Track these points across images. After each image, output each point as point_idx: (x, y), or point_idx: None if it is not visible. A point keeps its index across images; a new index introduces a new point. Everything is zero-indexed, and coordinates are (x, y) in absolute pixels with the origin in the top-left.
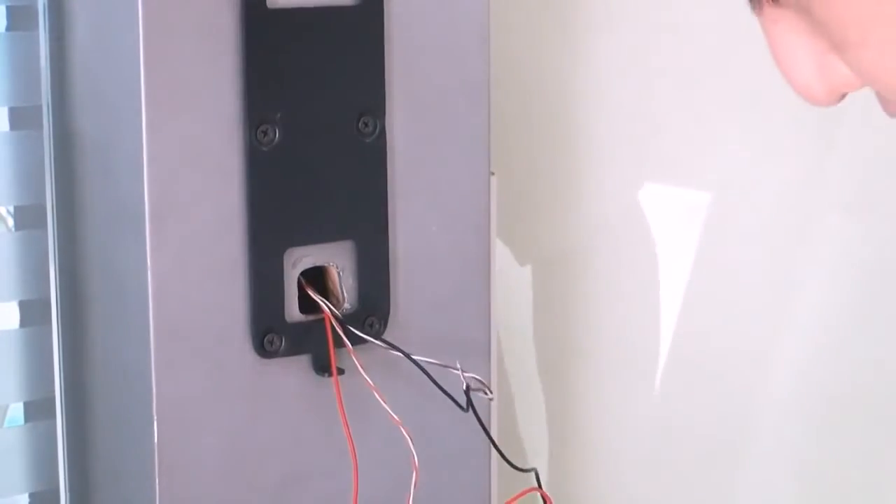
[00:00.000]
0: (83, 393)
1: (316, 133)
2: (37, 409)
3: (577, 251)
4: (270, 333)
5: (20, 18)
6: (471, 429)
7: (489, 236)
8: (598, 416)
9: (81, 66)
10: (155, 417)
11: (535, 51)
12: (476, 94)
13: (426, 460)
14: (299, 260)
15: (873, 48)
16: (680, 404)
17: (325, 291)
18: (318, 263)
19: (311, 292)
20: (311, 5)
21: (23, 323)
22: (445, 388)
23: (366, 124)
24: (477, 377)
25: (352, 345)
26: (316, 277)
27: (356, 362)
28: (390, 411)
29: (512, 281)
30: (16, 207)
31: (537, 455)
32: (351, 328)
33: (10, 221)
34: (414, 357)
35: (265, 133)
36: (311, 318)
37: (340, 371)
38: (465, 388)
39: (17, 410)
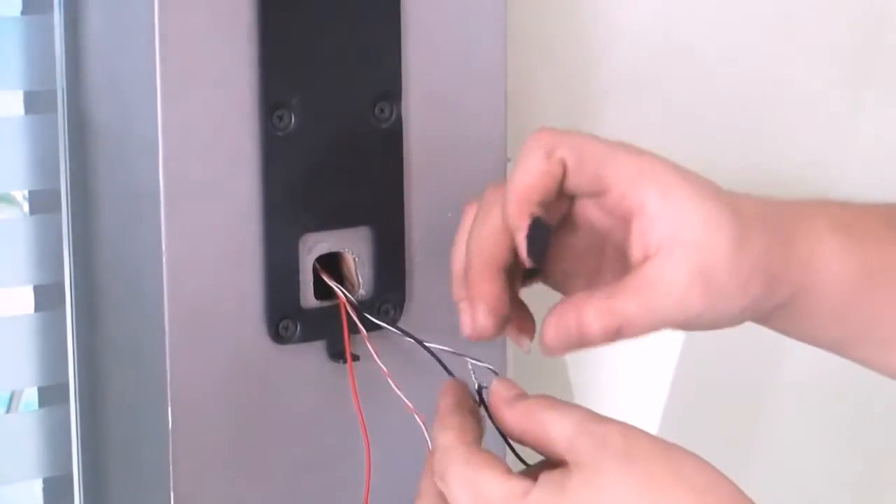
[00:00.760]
0: (97, 378)
1: (332, 119)
2: (51, 394)
3: None
4: (285, 319)
5: (35, 2)
6: (483, 417)
7: None
8: (610, 410)
9: (96, 50)
10: (169, 403)
11: (552, 36)
12: (493, 80)
13: None
14: (314, 246)
15: None
16: (690, 399)
17: (340, 278)
18: (334, 249)
19: (326, 278)
20: None
21: (37, 307)
22: (460, 377)
23: (382, 110)
24: (491, 367)
25: (367, 331)
26: (331, 263)
27: (371, 349)
28: (404, 398)
29: None
30: (30, 192)
31: None
32: (366, 315)
33: (25, 206)
34: (428, 345)
35: (281, 118)
36: (326, 304)
37: (355, 357)
38: (476, 387)
39: (31, 395)
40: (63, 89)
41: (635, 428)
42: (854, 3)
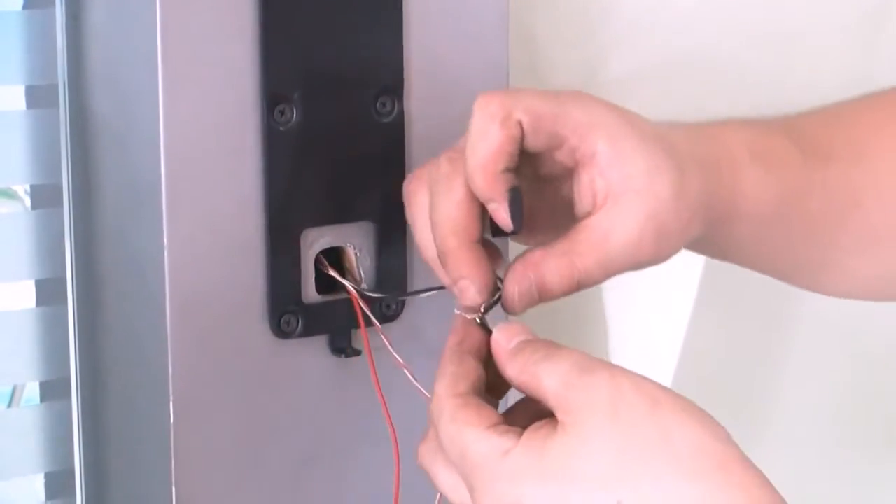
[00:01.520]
0: (99, 373)
1: (334, 113)
2: (52, 389)
3: None
4: (287, 314)
5: None
6: None
7: None
8: None
9: (98, 44)
10: (171, 397)
11: (556, 31)
12: (495, 75)
13: None
14: (316, 240)
15: None
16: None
17: (341, 272)
18: (336, 244)
19: (332, 272)
20: None
21: (39, 302)
22: None
23: (384, 104)
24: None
25: (368, 325)
26: (333, 258)
27: (385, 341)
28: (421, 388)
29: None
30: (32, 186)
31: None
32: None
33: (27, 200)
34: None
35: (282, 113)
36: (328, 298)
37: (356, 352)
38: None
39: (32, 390)
40: (64, 84)
41: (625, 376)
42: None
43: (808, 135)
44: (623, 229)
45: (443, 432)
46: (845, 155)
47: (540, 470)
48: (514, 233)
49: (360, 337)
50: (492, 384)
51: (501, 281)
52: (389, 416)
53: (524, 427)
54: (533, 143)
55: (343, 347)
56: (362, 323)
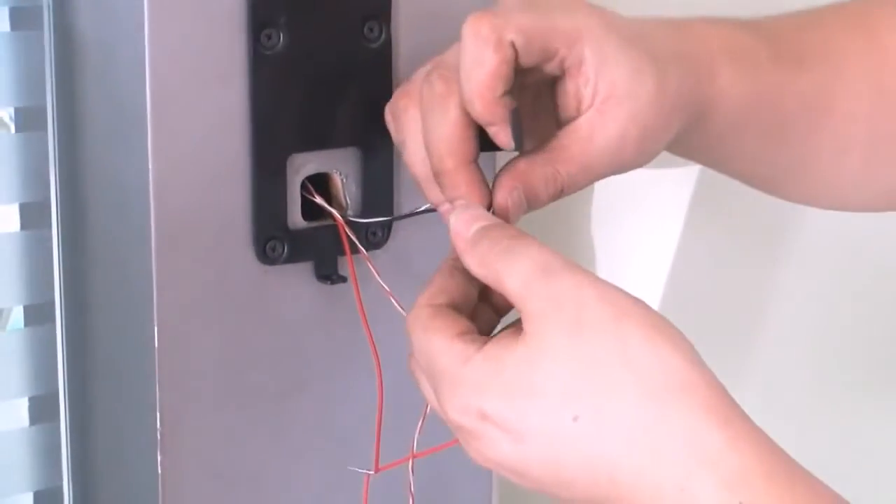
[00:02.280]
0: (83, 297)
1: (320, 38)
2: (36, 314)
3: None
4: (272, 240)
5: None
6: None
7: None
8: None
9: None
10: (155, 323)
11: None
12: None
13: None
14: (302, 166)
15: None
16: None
17: (328, 199)
18: (322, 170)
19: (318, 199)
20: None
21: (23, 226)
22: None
23: (371, 29)
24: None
25: (353, 252)
26: (319, 184)
27: (372, 268)
28: (406, 316)
29: None
30: (16, 109)
31: None
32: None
33: (11, 125)
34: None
35: (269, 37)
36: (313, 224)
37: (343, 279)
38: None
39: (16, 314)
40: (49, 5)
41: (589, 284)
42: None
43: (781, 38)
44: (606, 134)
45: (415, 340)
46: (817, 60)
47: (500, 380)
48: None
49: (346, 264)
50: (497, 303)
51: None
52: (374, 345)
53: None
54: (525, 61)
55: (329, 274)
56: (348, 250)
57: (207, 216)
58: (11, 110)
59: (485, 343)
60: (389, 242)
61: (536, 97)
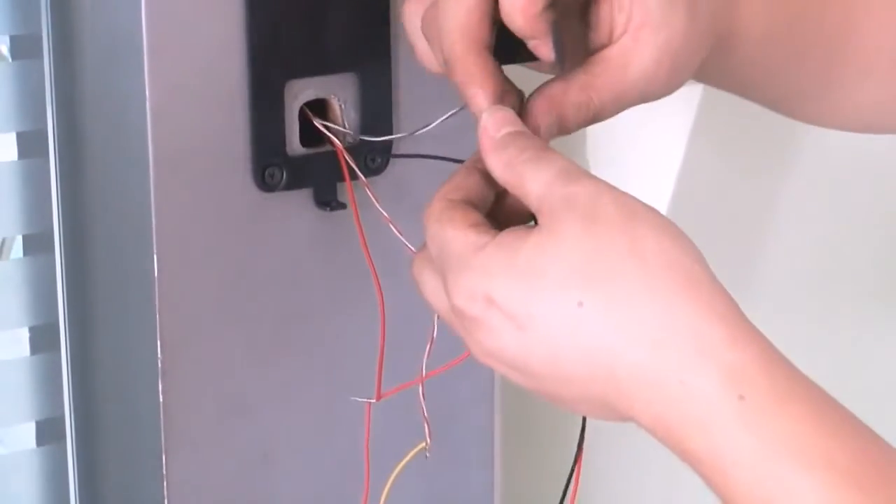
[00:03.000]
0: (82, 227)
1: None
2: (36, 243)
3: None
4: (271, 166)
5: None
6: None
7: None
8: None
9: None
10: (154, 251)
11: None
12: None
13: None
14: (300, 92)
15: None
16: None
17: (326, 125)
18: (320, 95)
19: (318, 123)
20: None
21: (21, 155)
22: None
23: None
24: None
25: (353, 178)
26: (317, 110)
27: (370, 195)
28: (407, 243)
29: None
30: (11, 38)
31: None
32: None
33: (7, 53)
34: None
35: None
36: (312, 151)
37: (342, 205)
38: None
39: (16, 244)
40: None
41: (607, 189)
42: None
43: None
44: (640, 63)
45: (428, 233)
46: None
47: (510, 265)
48: (516, 53)
49: (346, 190)
50: (510, 210)
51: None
52: (374, 269)
53: None
54: None
55: (328, 200)
56: (347, 176)
57: (205, 143)
58: (7, 38)
59: (497, 234)
60: (389, 169)
61: (569, 20)
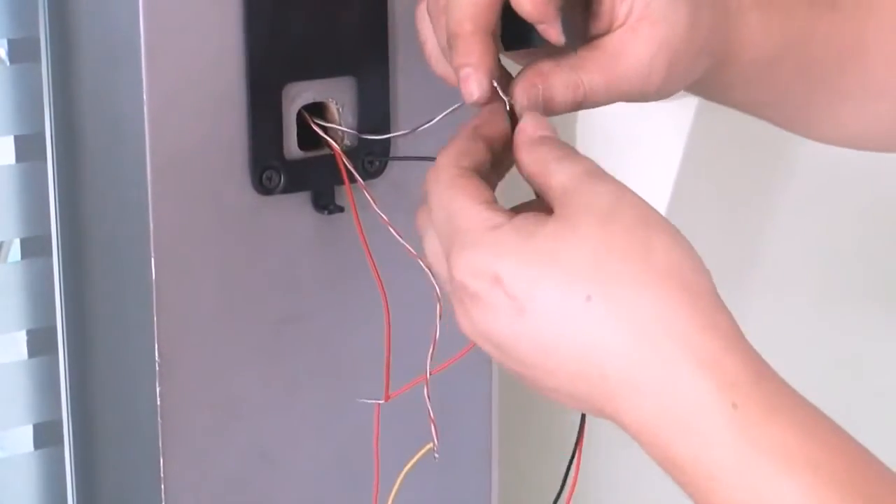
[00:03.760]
0: (80, 231)
1: None
2: (34, 246)
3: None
4: (269, 170)
5: None
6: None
7: None
8: None
9: None
10: (152, 255)
11: None
12: None
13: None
14: (298, 95)
15: None
16: None
17: (324, 129)
18: (318, 99)
19: (315, 127)
20: None
21: (18, 158)
22: None
23: None
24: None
25: (351, 182)
26: (315, 114)
27: (369, 198)
28: (407, 245)
29: None
30: (9, 41)
31: None
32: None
33: (6, 57)
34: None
35: None
36: (310, 154)
37: (340, 209)
38: (508, 107)
39: (13, 247)
40: None
41: (629, 194)
42: None
43: None
44: (636, 53)
45: (435, 197)
46: (850, 2)
47: (523, 248)
48: (519, 39)
49: (344, 193)
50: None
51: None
52: (377, 272)
53: None
54: None
55: (326, 204)
56: (346, 179)
57: (203, 146)
58: (5, 42)
59: (513, 216)
60: (387, 171)
61: (571, 7)
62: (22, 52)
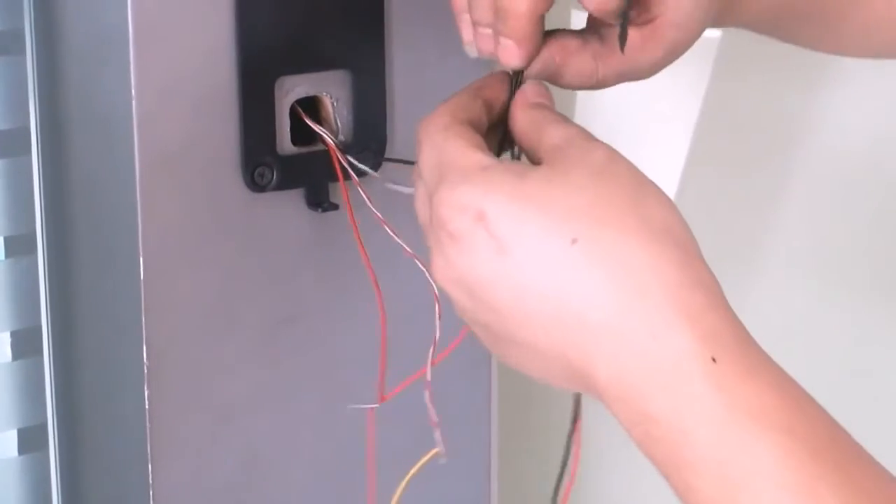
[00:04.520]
0: (66, 228)
1: None
2: (18, 245)
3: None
4: (261, 166)
5: None
6: None
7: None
8: None
9: None
10: (141, 254)
11: None
12: None
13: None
14: (291, 89)
15: None
16: None
17: (318, 123)
18: (312, 93)
19: (309, 121)
20: None
21: (2, 154)
22: None
23: None
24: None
25: (346, 178)
26: (309, 108)
27: (363, 195)
28: (403, 244)
29: None
30: None
31: None
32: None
33: None
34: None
35: None
36: (304, 150)
37: (334, 206)
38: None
39: None
40: None
41: (622, 156)
42: None
43: None
44: (653, 56)
45: (427, 141)
46: None
47: (513, 187)
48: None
49: (338, 190)
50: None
51: None
52: (372, 271)
53: None
54: None
55: (321, 201)
56: (340, 176)
57: (193, 141)
58: None
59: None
60: (383, 167)
61: None
62: (6, 43)
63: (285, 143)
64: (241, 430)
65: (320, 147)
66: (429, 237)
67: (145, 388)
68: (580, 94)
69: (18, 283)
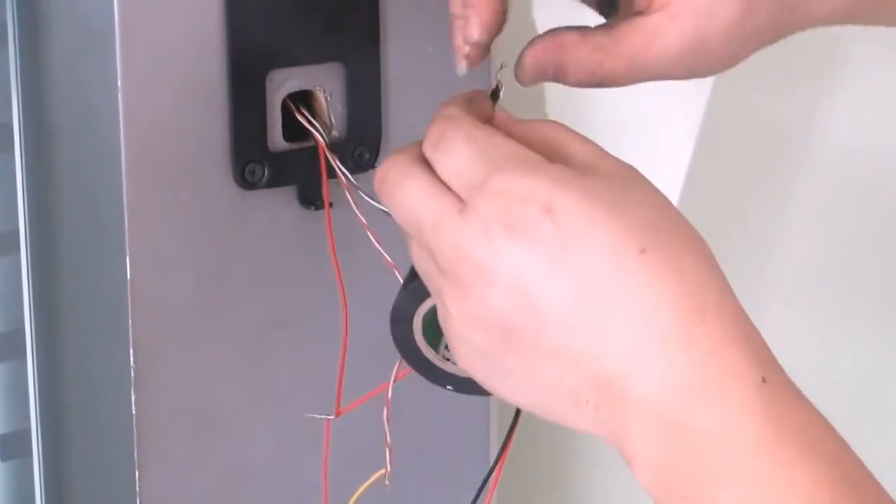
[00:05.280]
0: (49, 227)
1: None
2: (0, 243)
3: None
4: (252, 163)
5: None
6: None
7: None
8: None
9: None
10: (127, 252)
11: None
12: None
13: None
14: (283, 83)
15: None
16: None
17: (311, 118)
18: (304, 87)
19: (300, 116)
20: None
21: None
22: None
23: None
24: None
25: (334, 178)
26: (302, 103)
27: (349, 198)
28: (383, 252)
29: None
30: None
31: None
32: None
33: None
34: None
35: None
36: (295, 146)
37: (330, 204)
38: (493, 87)
39: None
40: None
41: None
42: None
43: None
44: (666, 45)
45: (463, 134)
46: None
47: (581, 185)
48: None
49: (332, 187)
50: None
51: None
52: (340, 276)
53: None
54: None
55: (312, 199)
56: (324, 175)
57: (181, 138)
58: None
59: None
60: (378, 164)
61: None
62: None
63: (277, 138)
64: (231, 436)
65: (313, 143)
66: (444, 274)
67: (132, 392)
68: (579, 97)
69: (1, 283)
